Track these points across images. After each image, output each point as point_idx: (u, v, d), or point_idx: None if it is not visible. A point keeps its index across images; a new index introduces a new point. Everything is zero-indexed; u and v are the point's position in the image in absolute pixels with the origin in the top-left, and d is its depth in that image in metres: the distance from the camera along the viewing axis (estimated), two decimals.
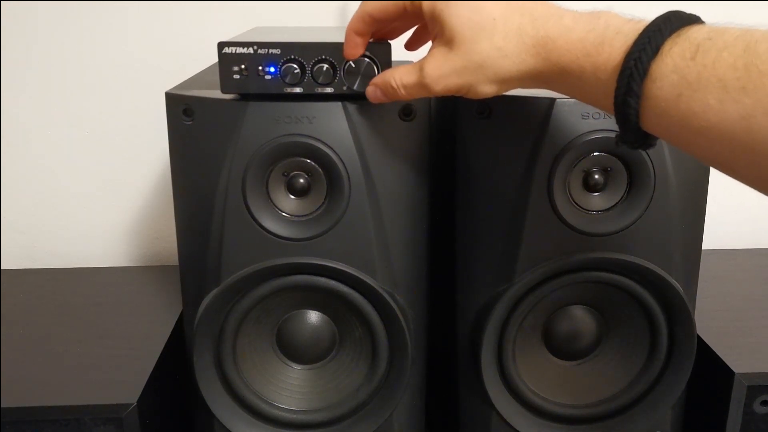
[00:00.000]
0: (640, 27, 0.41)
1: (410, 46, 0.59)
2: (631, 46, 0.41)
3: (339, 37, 0.53)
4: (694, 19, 0.41)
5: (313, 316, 0.62)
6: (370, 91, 0.53)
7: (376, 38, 0.54)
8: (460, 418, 0.67)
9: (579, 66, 0.43)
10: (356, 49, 0.53)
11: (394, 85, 0.51)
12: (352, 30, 0.52)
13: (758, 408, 0.64)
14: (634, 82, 0.40)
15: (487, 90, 0.48)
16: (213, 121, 0.56)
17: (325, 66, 0.53)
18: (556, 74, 0.45)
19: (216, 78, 0.55)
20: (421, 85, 0.49)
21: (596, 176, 0.58)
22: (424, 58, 0.49)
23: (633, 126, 0.42)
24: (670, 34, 0.40)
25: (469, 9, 0.46)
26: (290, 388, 0.63)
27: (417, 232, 0.61)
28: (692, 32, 0.39)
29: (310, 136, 0.55)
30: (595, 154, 0.57)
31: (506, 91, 0.49)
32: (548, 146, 0.57)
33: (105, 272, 0.90)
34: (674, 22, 0.40)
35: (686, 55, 0.39)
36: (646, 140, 0.44)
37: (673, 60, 0.39)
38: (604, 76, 0.42)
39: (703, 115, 0.38)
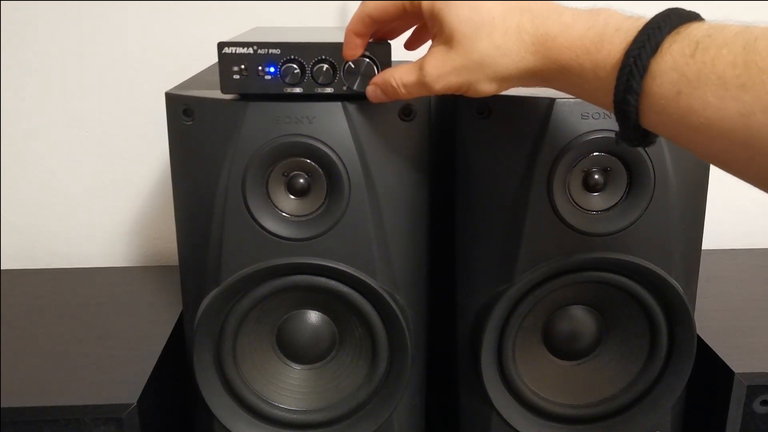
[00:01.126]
0: (640, 24, 0.41)
1: (410, 45, 0.59)
2: (631, 44, 0.41)
3: (339, 37, 0.53)
4: (693, 16, 0.41)
5: (313, 316, 0.62)
6: (370, 90, 0.53)
7: (376, 38, 0.54)
8: (460, 418, 0.67)
9: (578, 64, 0.43)
10: (356, 50, 0.53)
11: (395, 84, 0.51)
12: (352, 31, 0.52)
13: (758, 408, 0.64)
14: (633, 79, 0.40)
15: (487, 88, 0.48)
16: (213, 121, 0.56)
17: (325, 66, 0.53)
18: (556, 72, 0.45)
19: (216, 78, 0.55)
20: (421, 83, 0.49)
21: (596, 176, 0.58)
22: (424, 57, 0.49)
23: (633, 123, 0.42)
24: (669, 32, 0.40)
25: (468, 8, 0.46)
26: (290, 388, 0.63)
27: (417, 232, 0.61)
28: (691, 29, 0.40)
29: (310, 136, 0.55)
30: (595, 154, 0.57)
31: (506, 89, 0.49)
32: (548, 146, 0.57)
33: (105, 272, 0.90)
34: (674, 20, 0.40)
35: (686, 52, 0.39)
36: (646, 138, 0.44)
37: (672, 57, 0.39)
38: (603, 74, 0.42)
39: (703, 113, 0.38)
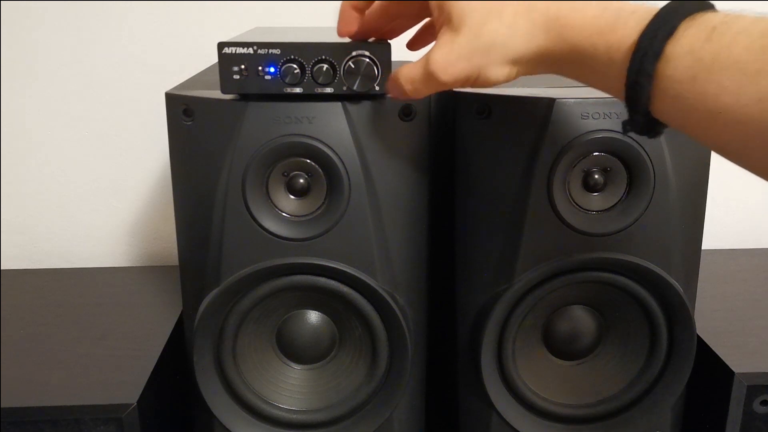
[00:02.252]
0: (655, 9, 0.41)
1: (412, 45, 0.59)
2: (646, 26, 0.40)
3: (339, 37, 0.53)
4: (707, 6, 0.41)
5: (313, 316, 0.62)
6: (389, 86, 0.52)
7: (377, 38, 0.54)
8: (460, 418, 0.67)
9: (592, 44, 0.42)
10: (350, 26, 0.51)
11: (401, 82, 0.50)
12: (348, 4, 0.50)
13: (758, 408, 0.64)
14: (647, 61, 0.40)
15: (498, 73, 0.46)
16: (213, 121, 0.56)
17: (325, 66, 0.53)
18: (567, 53, 0.44)
19: (216, 78, 0.55)
20: (428, 76, 0.47)
21: (596, 176, 0.58)
22: (430, 50, 0.48)
23: (643, 109, 0.41)
24: (685, 17, 0.39)
25: None
26: (290, 388, 0.63)
27: (417, 232, 0.61)
28: (707, 16, 0.39)
29: (310, 136, 0.55)
30: (594, 154, 0.57)
31: (517, 76, 0.47)
32: (548, 146, 0.57)
33: (105, 272, 0.90)
34: (688, 7, 0.40)
35: (702, 36, 0.38)
36: (654, 127, 0.43)
37: (688, 41, 0.39)
38: (617, 56, 0.41)
39: (718, 98, 0.38)
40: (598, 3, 0.43)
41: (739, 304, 0.78)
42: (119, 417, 0.58)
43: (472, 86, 0.48)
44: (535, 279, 0.60)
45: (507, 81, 0.47)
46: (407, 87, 0.49)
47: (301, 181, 0.56)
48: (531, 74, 0.47)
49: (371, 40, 0.53)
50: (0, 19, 0.88)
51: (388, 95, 0.54)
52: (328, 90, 0.54)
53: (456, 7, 0.46)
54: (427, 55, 0.48)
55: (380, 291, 0.58)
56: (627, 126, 0.44)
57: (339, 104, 0.55)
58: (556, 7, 0.44)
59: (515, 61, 0.46)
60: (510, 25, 0.44)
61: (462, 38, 0.46)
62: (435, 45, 0.48)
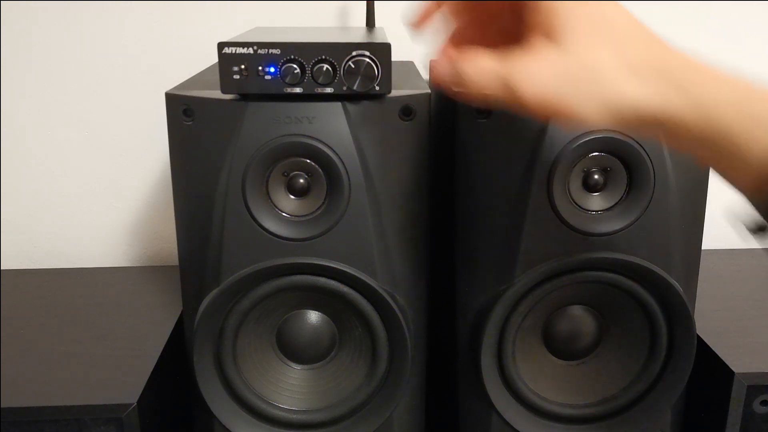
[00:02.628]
0: None
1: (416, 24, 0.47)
2: None
3: (339, 37, 0.53)
4: None
5: (313, 316, 0.62)
6: (440, 61, 0.42)
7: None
8: (460, 418, 0.67)
9: (739, 120, 0.34)
10: (423, 19, 0.40)
11: (468, 70, 0.38)
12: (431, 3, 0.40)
13: (758, 408, 0.64)
14: None
15: (592, 113, 0.35)
16: (213, 121, 0.56)
17: (325, 66, 0.53)
18: (702, 126, 0.35)
19: (216, 78, 0.55)
20: (506, 85, 0.36)
21: (596, 176, 0.58)
22: (518, 57, 0.37)
23: None
24: None
25: (594, 5, 0.35)
26: (290, 388, 0.63)
27: (417, 232, 0.61)
28: None
29: (310, 136, 0.55)
30: (594, 154, 0.57)
31: (611, 126, 0.37)
32: (548, 146, 0.57)
33: (105, 272, 0.90)
34: None
35: None
36: None
37: None
38: (756, 147, 0.34)
39: None
40: (738, 78, 0.35)
41: (739, 304, 0.78)
42: (119, 417, 0.58)
43: (555, 121, 0.39)
44: (535, 279, 0.60)
45: (596, 127, 0.39)
46: (470, 76, 0.38)
47: (301, 181, 0.56)
48: (634, 133, 0.39)
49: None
50: (0, 19, 0.88)
51: (389, 95, 0.54)
52: (328, 90, 0.54)
53: (560, 12, 0.35)
54: (513, 62, 0.37)
55: (380, 291, 0.58)
56: (758, 231, 0.37)
57: (339, 104, 0.55)
58: (695, 68, 0.35)
59: (620, 110, 0.35)
60: (632, 63, 0.35)
61: (563, 53, 0.36)
62: (524, 53, 0.37)
